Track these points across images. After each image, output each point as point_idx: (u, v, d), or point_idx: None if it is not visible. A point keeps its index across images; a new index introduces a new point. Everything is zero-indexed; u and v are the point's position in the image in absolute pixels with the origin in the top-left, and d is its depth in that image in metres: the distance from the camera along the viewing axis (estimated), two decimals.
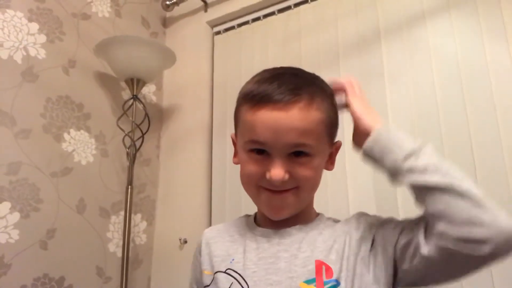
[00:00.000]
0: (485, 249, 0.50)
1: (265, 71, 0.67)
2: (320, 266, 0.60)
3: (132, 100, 1.51)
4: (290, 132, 0.60)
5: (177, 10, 1.85)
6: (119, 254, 1.48)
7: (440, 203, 0.54)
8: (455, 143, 1.16)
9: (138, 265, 1.58)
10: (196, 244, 0.77)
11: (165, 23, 1.93)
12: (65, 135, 1.41)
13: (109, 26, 1.64)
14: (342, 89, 0.69)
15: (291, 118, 0.60)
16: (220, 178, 1.58)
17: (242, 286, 0.62)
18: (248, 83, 0.67)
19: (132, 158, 1.50)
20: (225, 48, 1.72)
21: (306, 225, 0.67)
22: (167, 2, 1.79)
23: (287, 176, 0.61)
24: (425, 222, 0.57)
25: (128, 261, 1.41)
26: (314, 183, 0.66)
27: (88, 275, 1.39)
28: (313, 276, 0.60)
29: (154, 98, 1.79)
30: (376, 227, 0.64)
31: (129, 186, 1.48)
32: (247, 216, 0.76)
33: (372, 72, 1.32)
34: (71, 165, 1.40)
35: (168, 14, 1.92)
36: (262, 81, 0.63)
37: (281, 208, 0.65)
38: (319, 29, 1.48)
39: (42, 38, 1.39)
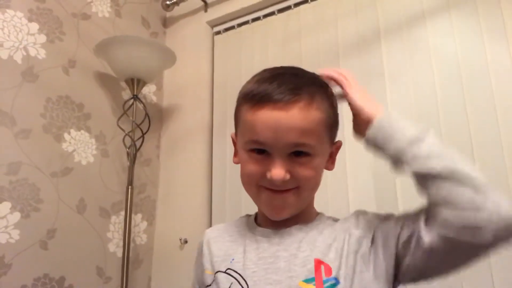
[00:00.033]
0: (486, 235, 0.50)
1: (265, 70, 0.67)
2: (319, 265, 0.60)
3: (132, 100, 1.51)
4: (290, 131, 0.60)
5: (177, 10, 1.85)
6: (119, 254, 1.48)
7: (442, 189, 0.54)
8: (455, 143, 1.15)
9: (139, 265, 1.58)
10: (198, 244, 0.76)
11: (165, 23, 1.93)
12: (65, 135, 1.41)
13: (109, 26, 1.64)
14: (334, 81, 0.69)
15: (292, 117, 0.60)
16: (220, 178, 1.58)
17: (242, 286, 0.62)
18: (248, 82, 0.67)
19: (132, 158, 1.50)
20: (225, 48, 1.73)
21: (306, 225, 0.67)
22: (167, 2, 1.79)
23: (288, 176, 0.61)
24: (425, 214, 0.57)
25: (129, 261, 1.41)
26: (314, 183, 0.66)
27: (88, 275, 1.39)
28: (312, 275, 0.60)
29: (154, 98, 1.79)
30: (376, 224, 0.64)
31: (130, 186, 1.48)
32: (248, 216, 0.76)
33: (372, 72, 1.33)
34: (71, 165, 1.40)
35: (168, 14, 1.92)
36: (262, 80, 0.63)
37: (282, 208, 0.65)
38: (319, 29, 1.48)
39: (42, 38, 1.39)
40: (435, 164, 0.55)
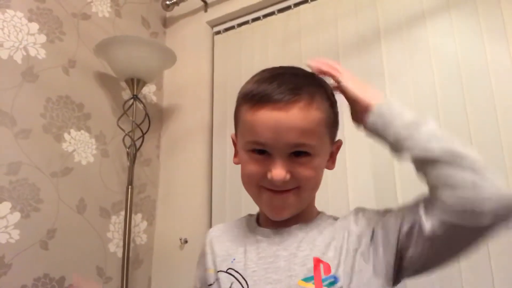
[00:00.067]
0: (486, 216, 0.51)
1: (264, 71, 0.67)
2: (318, 263, 0.61)
3: (132, 100, 1.51)
4: (290, 132, 0.60)
5: (177, 10, 1.85)
6: (120, 254, 1.48)
7: (442, 172, 0.54)
8: None
9: (139, 265, 1.58)
10: (202, 244, 0.77)
11: (165, 23, 1.93)
12: (66, 135, 1.41)
13: (109, 26, 1.64)
14: (325, 74, 0.68)
15: (291, 118, 0.59)
16: (220, 178, 1.58)
17: (242, 286, 0.62)
18: (247, 83, 0.67)
19: (132, 158, 1.50)
20: (225, 48, 1.73)
21: (306, 225, 0.67)
22: (167, 2, 1.79)
23: (288, 176, 0.61)
24: (424, 202, 0.58)
25: (129, 261, 1.41)
26: (315, 183, 0.66)
27: (88, 275, 1.39)
28: (311, 274, 0.60)
29: (154, 98, 1.79)
30: (375, 220, 0.64)
31: (130, 186, 1.48)
32: (250, 215, 0.76)
33: (372, 72, 1.33)
34: (71, 165, 1.40)
35: (168, 14, 1.92)
36: (262, 81, 0.63)
37: (282, 208, 0.65)
38: (319, 29, 1.48)
39: (42, 38, 1.39)
40: (434, 147, 0.55)
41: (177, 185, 1.68)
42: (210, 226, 1.56)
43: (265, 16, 1.64)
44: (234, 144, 0.72)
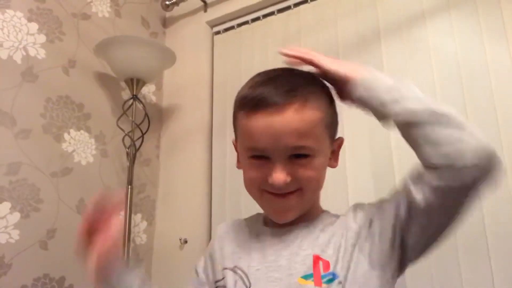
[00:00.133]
0: (470, 170, 0.52)
1: (259, 74, 0.67)
2: (317, 260, 0.61)
3: (132, 100, 1.51)
4: (287, 135, 0.59)
5: (177, 10, 1.85)
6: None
7: (425, 131, 0.55)
8: None
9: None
10: (211, 240, 0.77)
11: (165, 23, 1.93)
12: (65, 135, 1.41)
13: (109, 26, 1.64)
14: (302, 60, 0.67)
15: (287, 120, 0.59)
16: (220, 178, 1.58)
17: (245, 284, 0.63)
18: (242, 88, 0.67)
19: (132, 158, 1.49)
20: (225, 48, 1.72)
21: (309, 224, 0.67)
22: (167, 2, 1.79)
23: (289, 179, 0.61)
24: (410, 177, 0.59)
25: (128, 261, 1.41)
26: (317, 183, 0.66)
27: (88, 275, 1.39)
28: (311, 271, 0.60)
29: (154, 98, 1.79)
30: (372, 212, 0.64)
31: (129, 186, 1.47)
32: (259, 214, 0.76)
33: None
34: (71, 165, 1.40)
35: (168, 14, 1.92)
36: (256, 85, 0.63)
37: (286, 211, 0.65)
38: (319, 29, 1.48)
39: (42, 38, 1.39)
40: (418, 108, 0.56)
41: (176, 185, 1.68)
42: (210, 226, 1.56)
43: (265, 16, 1.64)
44: (236, 149, 0.72)
